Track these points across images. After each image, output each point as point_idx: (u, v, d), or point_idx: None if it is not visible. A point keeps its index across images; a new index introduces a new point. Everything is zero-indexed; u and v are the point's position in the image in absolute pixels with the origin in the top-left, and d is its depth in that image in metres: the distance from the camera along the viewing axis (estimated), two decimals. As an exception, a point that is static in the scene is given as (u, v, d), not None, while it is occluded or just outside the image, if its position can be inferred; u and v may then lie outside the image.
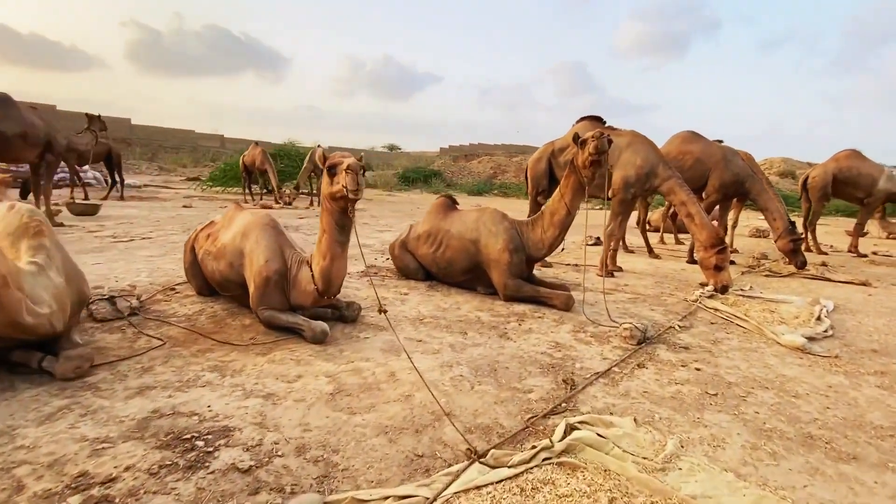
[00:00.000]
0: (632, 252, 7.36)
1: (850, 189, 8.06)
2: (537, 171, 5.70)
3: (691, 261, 6.57)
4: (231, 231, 3.17)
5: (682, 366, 2.73)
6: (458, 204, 4.56)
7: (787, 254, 6.05)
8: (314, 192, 12.81)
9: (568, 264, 6.00)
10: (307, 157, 12.34)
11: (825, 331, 3.58)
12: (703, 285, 4.97)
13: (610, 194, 5.29)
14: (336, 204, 2.59)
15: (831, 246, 9.39)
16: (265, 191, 15.23)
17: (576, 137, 3.52)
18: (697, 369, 2.68)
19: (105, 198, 10.97)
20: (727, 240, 8.46)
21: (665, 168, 5.06)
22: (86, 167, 14.70)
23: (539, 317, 3.53)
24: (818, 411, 2.28)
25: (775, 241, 6.18)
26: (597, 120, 5.42)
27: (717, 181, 6.31)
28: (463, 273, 4.18)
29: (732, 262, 6.78)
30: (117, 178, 11.23)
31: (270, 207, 11.38)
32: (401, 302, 3.73)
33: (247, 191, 12.70)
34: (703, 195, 6.59)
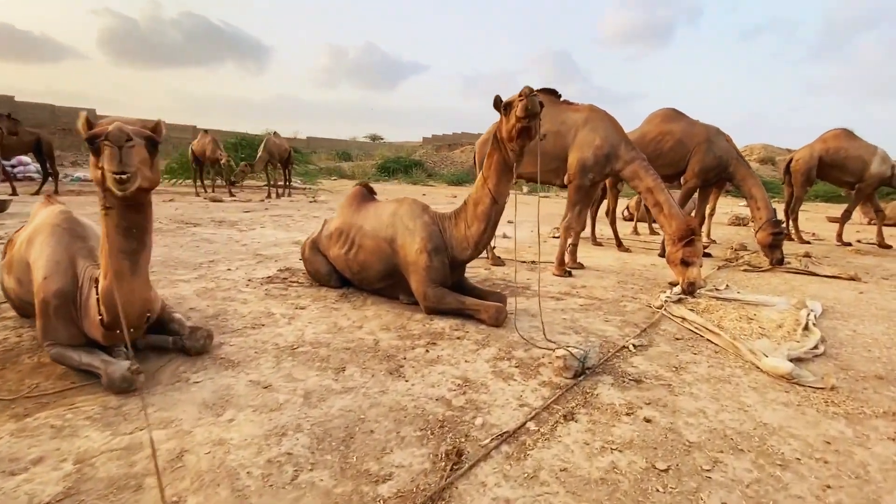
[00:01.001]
0: (600, 245, 6.61)
1: (837, 172, 7.28)
2: (485, 154, 4.86)
3: (664, 254, 5.84)
4: (23, 234, 2.32)
5: (628, 413, 1.96)
6: (375, 194, 3.73)
7: (765, 248, 5.33)
8: (271, 182, 11.87)
9: (524, 262, 5.22)
10: (261, 146, 11.40)
11: (815, 346, 2.84)
12: (672, 285, 4.23)
13: (565, 180, 4.50)
14: (108, 196, 1.73)
15: (813, 234, 8.74)
16: (231, 182, 14.23)
17: (497, 101, 2.69)
18: (647, 420, 1.90)
19: (36, 192, 9.94)
20: (704, 229, 7.77)
21: (628, 149, 4.27)
22: (26, 160, 13.55)
23: (459, 337, 2.74)
24: (815, 494, 1.52)
25: (755, 233, 5.46)
26: (551, 93, 4.60)
27: (699, 165, 5.55)
28: (380, 279, 3.38)
29: (708, 255, 6.06)
30: (50, 171, 10.17)
31: (221, 200, 10.46)
32: (287, 320, 2.91)
33: (198, 182, 11.72)
34: (682, 180, 5.83)
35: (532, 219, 10.24)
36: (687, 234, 3.88)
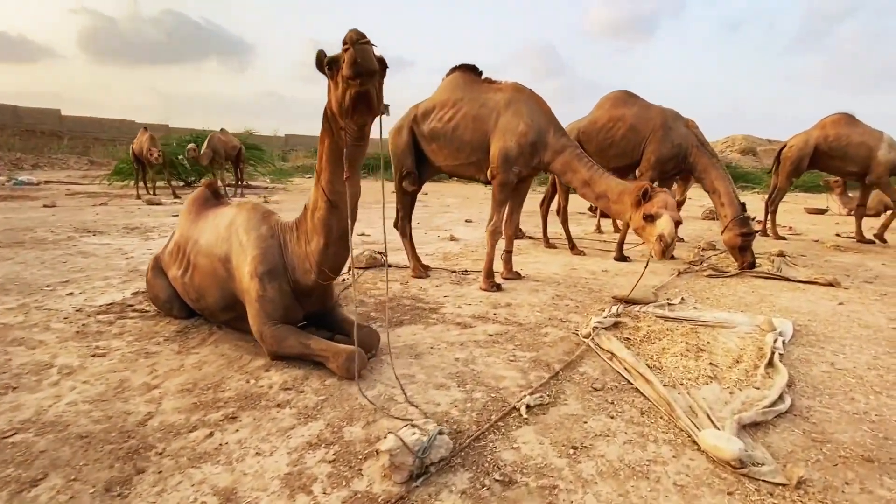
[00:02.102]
0: (553, 248, 5.82)
1: (838, 162, 6.38)
2: (398, 146, 4.04)
3: (620, 258, 5.07)
4: None
5: (458, 569, 1.15)
6: (222, 196, 2.88)
7: (733, 250, 4.57)
8: (219, 182, 10.93)
9: (455, 271, 4.41)
10: (205, 142, 10.48)
11: (779, 398, 2.05)
12: (616, 300, 3.45)
13: (489, 175, 3.67)
14: None
15: (790, 228, 8.02)
16: (185, 183, 13.29)
17: (320, 57, 1.78)
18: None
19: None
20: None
21: (558, 136, 3.46)
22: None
23: (281, 403, 1.91)
24: None
25: (721, 233, 4.69)
26: (471, 70, 3.78)
27: (654, 155, 4.76)
28: (221, 309, 2.54)
29: (672, 257, 5.31)
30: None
31: (159, 203, 9.53)
32: (60, 377, 2.06)
33: (140, 183, 10.78)
34: (637, 172, 5.05)
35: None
36: (640, 191, 3.10)
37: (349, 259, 2.21)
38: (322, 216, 2.06)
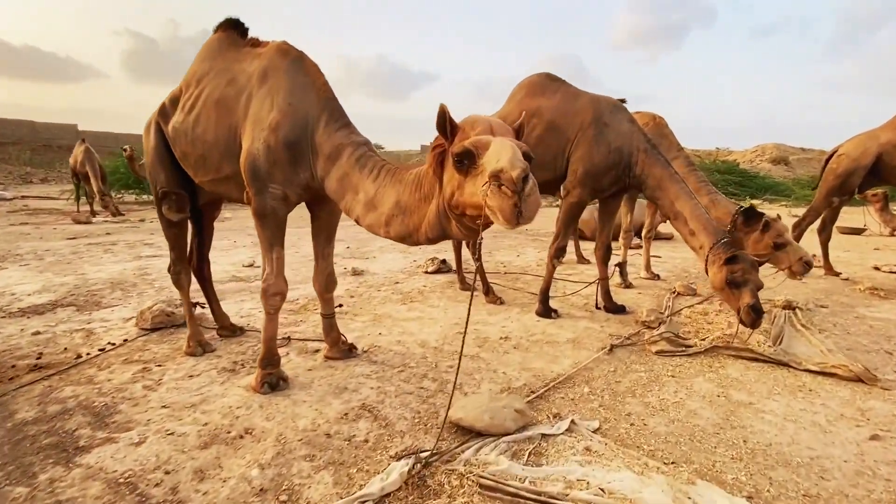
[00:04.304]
0: (469, 290, 4.23)
1: None
2: (147, 152, 2.61)
3: (544, 311, 3.44)
4: None
5: None
6: None
7: (723, 293, 2.78)
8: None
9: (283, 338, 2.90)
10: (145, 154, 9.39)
11: None
12: (452, 425, 1.85)
13: (245, 197, 2.15)
14: None
15: (813, 257, 6.06)
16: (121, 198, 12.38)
17: None
18: None
19: None
20: (641, 262, 5.25)
21: (333, 129, 1.89)
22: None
23: None
24: None
25: (704, 270, 2.96)
26: (234, 28, 2.29)
27: (583, 164, 3.12)
28: None
29: (623, 310, 3.62)
30: None
31: (88, 222, 8.45)
32: None
33: (80, 198, 9.81)
34: (562, 191, 3.39)
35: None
36: (437, 140, 1.51)
37: None
38: None
